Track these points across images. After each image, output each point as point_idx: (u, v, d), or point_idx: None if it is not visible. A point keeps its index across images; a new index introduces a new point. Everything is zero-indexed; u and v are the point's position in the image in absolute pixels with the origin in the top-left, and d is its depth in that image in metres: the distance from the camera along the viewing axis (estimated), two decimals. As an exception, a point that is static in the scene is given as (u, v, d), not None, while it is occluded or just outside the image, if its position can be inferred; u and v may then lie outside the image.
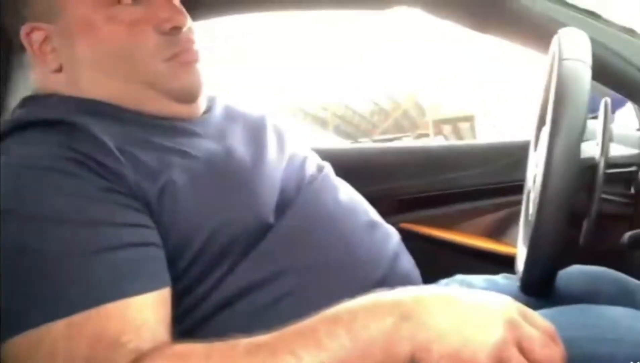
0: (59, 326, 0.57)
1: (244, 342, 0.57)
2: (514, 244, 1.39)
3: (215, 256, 0.69)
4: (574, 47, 0.76)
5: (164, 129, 0.77)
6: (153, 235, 0.66)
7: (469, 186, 1.31)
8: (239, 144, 0.79)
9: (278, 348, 0.55)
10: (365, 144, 1.68)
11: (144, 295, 0.61)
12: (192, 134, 0.78)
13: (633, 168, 0.79)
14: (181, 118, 0.80)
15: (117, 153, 0.66)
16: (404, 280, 0.79)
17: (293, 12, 1.34)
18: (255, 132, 0.85)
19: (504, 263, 1.17)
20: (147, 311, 0.61)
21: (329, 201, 0.81)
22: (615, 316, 0.69)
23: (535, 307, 0.74)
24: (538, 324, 0.56)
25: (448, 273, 1.00)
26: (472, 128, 12.22)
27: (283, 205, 0.76)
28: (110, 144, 0.67)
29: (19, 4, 0.79)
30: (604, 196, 0.74)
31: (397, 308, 0.55)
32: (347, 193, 0.85)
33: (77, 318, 0.57)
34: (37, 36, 0.77)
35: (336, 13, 1.37)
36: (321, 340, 0.55)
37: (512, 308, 0.56)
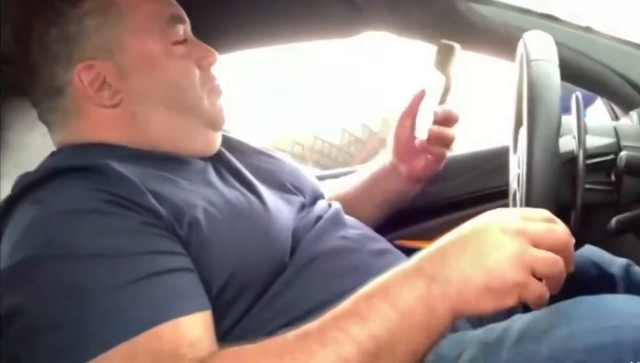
0: (118, 352, 0.60)
1: (292, 333, 0.60)
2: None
3: (233, 297, 0.72)
4: (540, 48, 0.79)
5: (183, 167, 0.82)
6: (191, 263, 0.69)
7: (454, 196, 1.33)
8: (253, 183, 0.84)
9: (326, 329, 0.58)
10: (352, 167, 1.68)
11: (194, 315, 0.64)
12: (210, 172, 0.84)
13: (611, 156, 0.81)
14: (204, 152, 0.87)
15: (147, 192, 0.70)
16: None
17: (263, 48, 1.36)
18: (262, 167, 0.92)
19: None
20: (199, 328, 0.64)
21: (337, 236, 0.84)
22: (613, 304, 0.68)
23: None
24: (534, 216, 0.60)
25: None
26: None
27: (296, 242, 0.79)
28: (138, 183, 0.70)
29: (71, 46, 0.80)
30: (587, 186, 0.77)
31: (421, 272, 0.58)
32: (355, 227, 0.89)
33: (135, 341, 0.60)
34: (90, 73, 0.80)
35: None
36: (364, 314, 0.57)
37: (508, 215, 0.60)
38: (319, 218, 0.87)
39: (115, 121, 0.82)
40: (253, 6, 1.18)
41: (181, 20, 0.87)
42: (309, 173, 1.01)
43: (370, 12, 1.17)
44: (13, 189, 0.75)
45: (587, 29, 1.15)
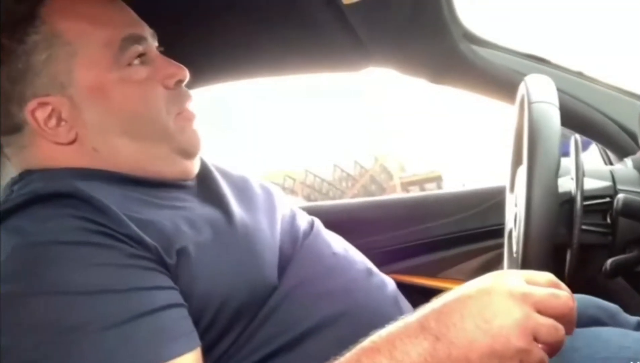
0: None
1: None
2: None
3: (228, 321, 0.70)
4: (542, 91, 0.81)
5: (166, 193, 0.78)
6: (179, 297, 0.67)
7: (450, 233, 1.35)
8: (235, 207, 0.80)
9: None
10: (346, 200, 1.69)
11: (185, 356, 0.62)
12: (191, 197, 0.80)
13: (607, 199, 0.83)
14: (181, 179, 0.81)
15: (129, 222, 0.67)
16: None
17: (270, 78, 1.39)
18: (246, 192, 0.86)
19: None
20: None
21: (326, 254, 0.83)
22: (606, 337, 0.72)
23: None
24: (539, 280, 0.59)
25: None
26: (440, 188, 12.37)
27: (283, 264, 0.78)
28: (120, 213, 0.67)
29: (21, 84, 0.76)
30: (583, 227, 0.78)
31: (426, 330, 0.57)
32: (341, 245, 0.87)
33: None
34: (44, 110, 0.75)
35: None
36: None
37: (514, 278, 0.59)
38: (306, 234, 0.86)
39: (77, 154, 0.77)
40: (261, 37, 1.20)
41: (137, 40, 0.78)
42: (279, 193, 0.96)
43: (375, 48, 1.20)
44: None
45: (578, 73, 1.18)
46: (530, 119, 0.78)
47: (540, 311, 0.57)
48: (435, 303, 0.59)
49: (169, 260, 0.67)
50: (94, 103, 0.76)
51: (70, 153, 0.77)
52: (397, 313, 0.78)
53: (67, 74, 0.76)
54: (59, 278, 0.62)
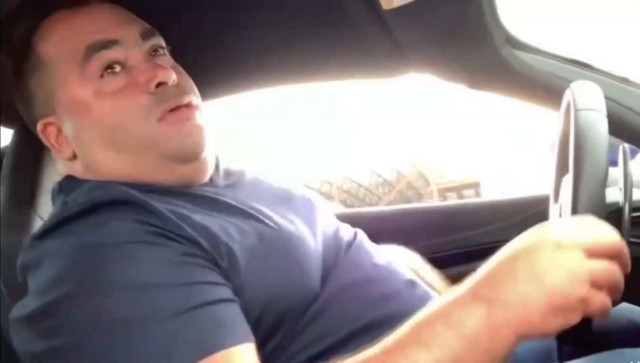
0: None
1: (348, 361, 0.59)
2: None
3: (269, 328, 0.71)
4: (588, 98, 0.79)
5: (193, 197, 0.78)
6: (232, 294, 0.68)
7: (489, 242, 1.32)
8: (277, 216, 0.80)
9: (387, 357, 0.57)
10: (384, 207, 1.68)
11: (243, 345, 0.63)
12: (225, 199, 0.79)
13: (657, 211, 0.80)
14: (183, 185, 0.80)
15: (181, 222, 0.69)
16: None
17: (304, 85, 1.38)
18: (288, 201, 0.87)
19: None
20: (248, 359, 0.63)
21: (368, 265, 0.83)
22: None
23: (574, 356, 0.74)
24: (582, 225, 0.59)
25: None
26: (477, 195, 12.27)
27: (325, 273, 0.78)
28: (172, 215, 0.69)
29: (28, 108, 0.82)
30: (631, 239, 0.75)
31: (478, 298, 0.56)
32: (384, 257, 0.87)
33: None
34: (51, 130, 0.80)
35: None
36: (427, 342, 0.55)
37: (557, 229, 0.58)
38: (349, 244, 0.85)
39: (79, 171, 0.81)
40: (296, 42, 1.20)
41: (105, 46, 0.76)
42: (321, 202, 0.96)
43: (414, 54, 1.19)
44: (44, 226, 0.73)
45: (626, 80, 1.15)
46: (577, 127, 0.76)
47: (591, 256, 0.55)
48: (482, 270, 0.58)
49: (220, 261, 0.69)
50: (76, 120, 0.79)
51: (76, 168, 0.82)
52: None
53: (52, 94, 0.79)
54: (120, 274, 0.64)
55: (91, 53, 0.76)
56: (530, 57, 1.15)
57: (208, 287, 0.66)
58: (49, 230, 0.71)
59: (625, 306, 1.05)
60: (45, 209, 1.02)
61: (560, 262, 0.54)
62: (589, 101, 0.78)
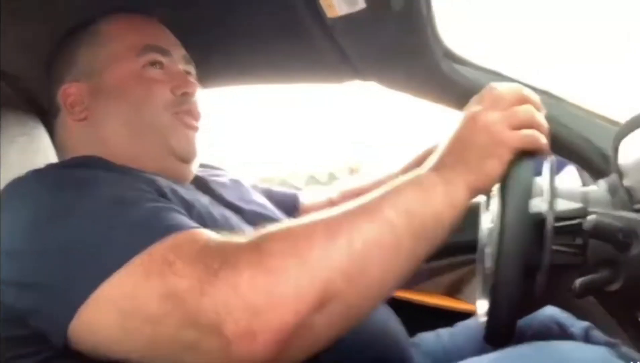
0: (162, 246, 0.62)
1: (335, 210, 0.66)
2: (469, 301, 1.43)
3: None
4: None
5: (183, 187, 0.85)
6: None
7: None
8: (241, 203, 0.92)
9: (369, 206, 0.67)
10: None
11: (203, 229, 0.67)
12: (199, 194, 0.89)
13: (578, 221, 0.84)
14: (177, 181, 0.87)
15: (171, 194, 0.78)
16: (397, 337, 0.93)
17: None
18: (239, 189, 1.00)
19: (463, 319, 1.21)
20: (213, 234, 0.65)
21: None
22: (565, 350, 0.77)
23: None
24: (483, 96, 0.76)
25: (411, 331, 1.04)
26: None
27: None
28: (162, 185, 0.78)
29: (64, 67, 0.94)
30: (554, 247, 0.79)
31: (431, 171, 0.72)
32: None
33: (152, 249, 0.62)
34: (73, 92, 0.91)
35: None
36: (398, 192, 0.68)
37: (470, 110, 0.74)
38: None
39: (83, 133, 0.90)
40: (251, 45, 1.25)
41: (158, 50, 0.92)
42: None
43: (360, 64, 1.23)
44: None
45: (547, 93, 1.19)
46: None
47: (502, 109, 0.72)
48: (430, 159, 0.74)
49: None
50: (109, 91, 0.89)
51: (79, 130, 0.90)
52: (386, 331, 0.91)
53: (97, 64, 0.91)
54: (95, 192, 0.70)
55: (148, 50, 0.92)
56: (464, 69, 1.19)
57: (172, 207, 0.71)
58: (21, 177, 0.76)
59: (550, 309, 1.11)
60: None
61: (479, 125, 0.71)
62: None
